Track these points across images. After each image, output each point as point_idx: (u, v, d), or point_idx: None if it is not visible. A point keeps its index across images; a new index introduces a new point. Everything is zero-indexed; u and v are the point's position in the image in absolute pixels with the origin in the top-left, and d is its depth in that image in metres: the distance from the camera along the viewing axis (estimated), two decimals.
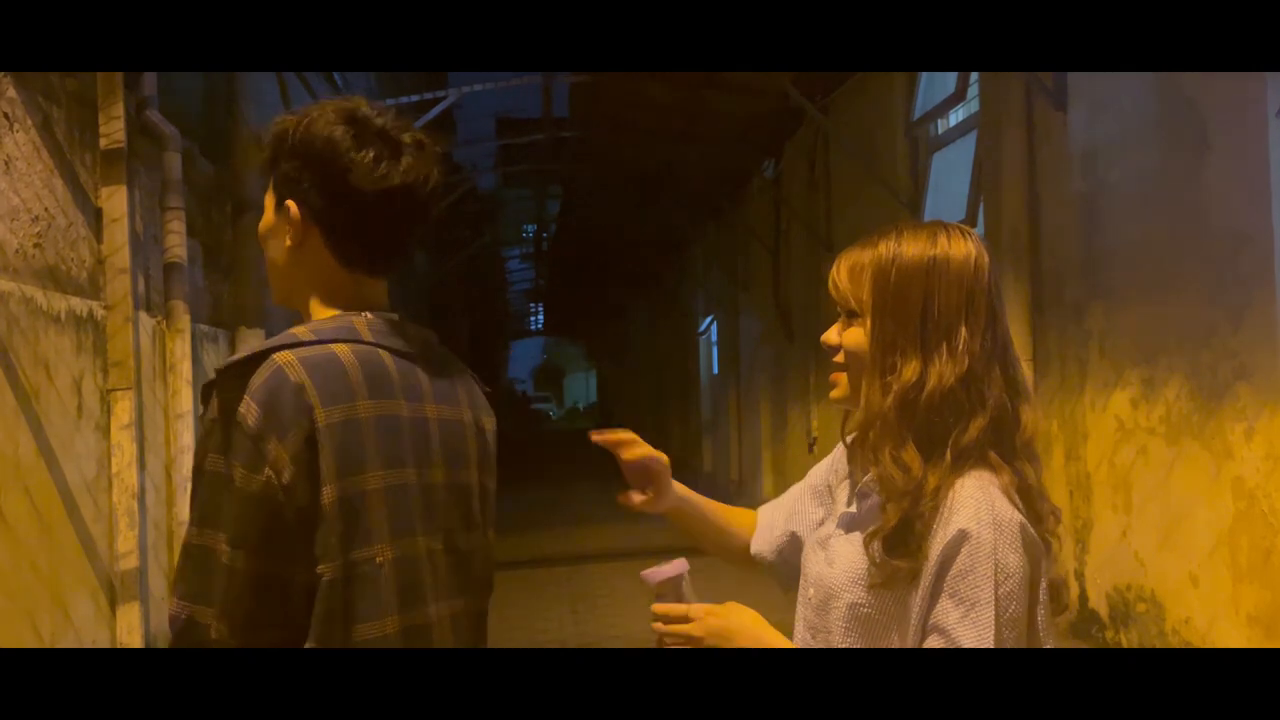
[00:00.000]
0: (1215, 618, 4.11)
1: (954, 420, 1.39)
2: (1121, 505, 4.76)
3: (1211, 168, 4.11)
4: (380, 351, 1.43)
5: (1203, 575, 4.17)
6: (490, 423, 1.60)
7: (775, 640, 1.48)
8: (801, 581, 1.54)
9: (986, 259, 1.44)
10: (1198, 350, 4.20)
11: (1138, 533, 4.64)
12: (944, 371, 1.39)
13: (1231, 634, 3.99)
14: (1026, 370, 5.41)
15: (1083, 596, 5.05)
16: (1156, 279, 4.51)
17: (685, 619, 1.49)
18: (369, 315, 1.46)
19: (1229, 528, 4.01)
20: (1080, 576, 5.07)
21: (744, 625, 1.48)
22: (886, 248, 1.44)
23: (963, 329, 1.40)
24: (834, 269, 1.49)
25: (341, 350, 1.39)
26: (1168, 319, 4.41)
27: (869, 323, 1.44)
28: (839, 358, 1.49)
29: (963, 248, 1.43)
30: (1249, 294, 3.90)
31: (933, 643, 1.34)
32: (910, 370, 1.40)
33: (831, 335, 1.50)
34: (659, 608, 1.52)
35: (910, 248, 1.43)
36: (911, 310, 1.41)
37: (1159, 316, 4.48)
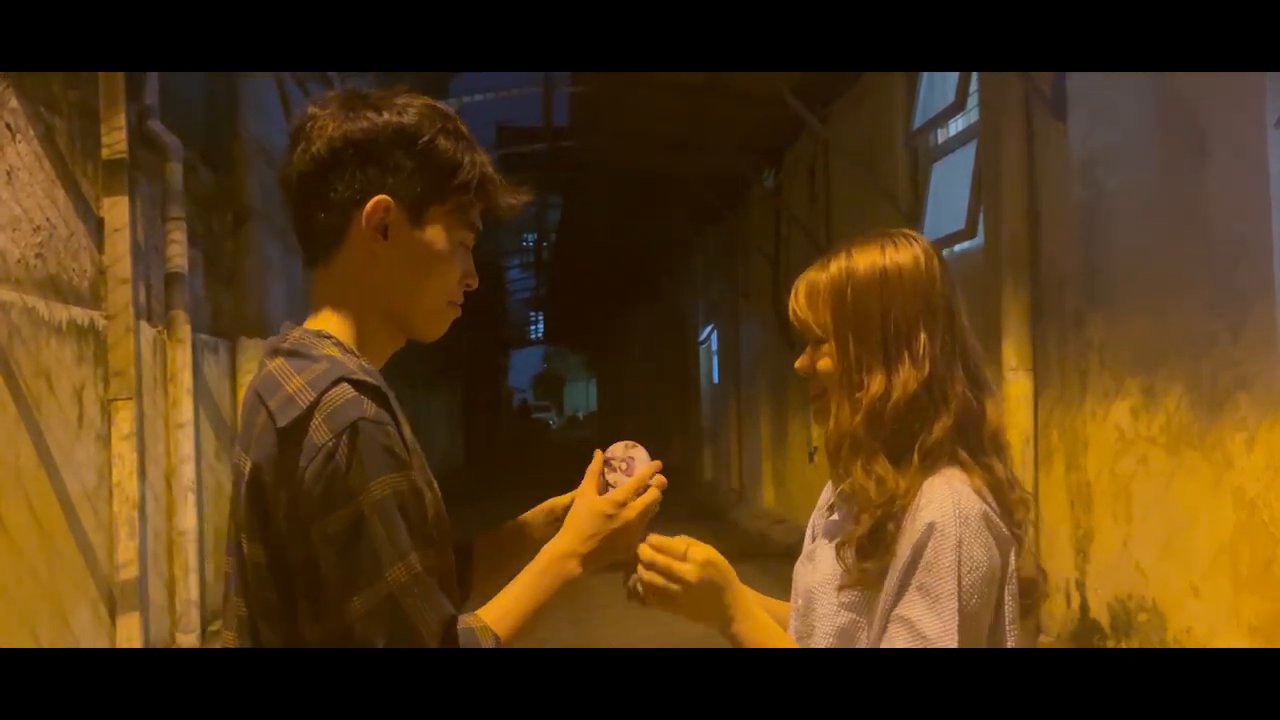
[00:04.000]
0: (1216, 628, 4.10)
1: (919, 425, 1.41)
2: (1122, 515, 4.76)
3: (1211, 176, 4.11)
4: None
5: (1204, 585, 4.17)
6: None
7: (754, 631, 1.44)
8: (793, 593, 1.55)
9: (936, 260, 1.46)
10: (1198, 359, 4.20)
11: (1138, 542, 4.64)
12: (908, 380, 1.41)
13: (1233, 644, 3.98)
14: (1026, 380, 5.42)
15: (1084, 606, 5.04)
16: (1156, 288, 4.50)
17: (683, 557, 1.44)
18: None
19: (1230, 537, 4.00)
20: (1081, 586, 5.06)
21: (735, 601, 1.44)
22: (838, 267, 1.46)
23: (922, 334, 1.42)
24: (792, 297, 1.50)
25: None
26: (1168, 328, 4.41)
27: (834, 345, 1.45)
28: (816, 384, 1.50)
29: (910, 253, 1.45)
30: (1249, 303, 3.90)
31: (896, 632, 1.35)
32: (876, 384, 1.42)
33: (804, 362, 1.51)
34: (656, 539, 1.46)
35: (861, 263, 1.45)
36: (872, 325, 1.43)
37: (1159, 325, 4.47)
